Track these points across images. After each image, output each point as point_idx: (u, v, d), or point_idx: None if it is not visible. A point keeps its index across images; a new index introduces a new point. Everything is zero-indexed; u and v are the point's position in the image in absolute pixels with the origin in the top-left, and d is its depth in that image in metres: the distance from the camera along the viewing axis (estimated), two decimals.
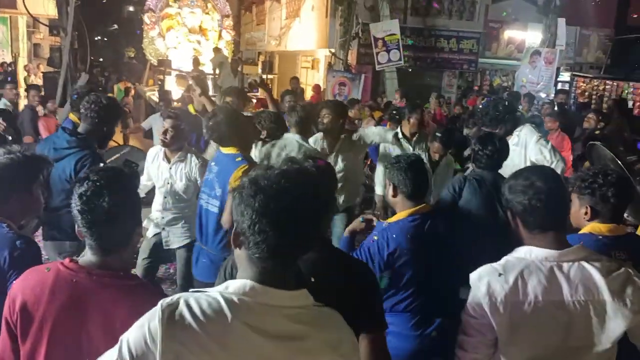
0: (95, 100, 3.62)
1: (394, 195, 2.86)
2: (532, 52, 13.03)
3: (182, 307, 1.35)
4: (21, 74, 14.53)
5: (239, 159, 3.44)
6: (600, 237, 2.45)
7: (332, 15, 14.13)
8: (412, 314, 2.79)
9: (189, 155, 4.11)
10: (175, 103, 13.09)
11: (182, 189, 4.05)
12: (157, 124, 7.85)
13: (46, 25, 10.69)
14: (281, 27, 18.61)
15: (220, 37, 18.66)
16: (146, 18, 17.99)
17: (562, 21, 13.32)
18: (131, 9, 29.78)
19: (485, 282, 1.87)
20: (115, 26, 30.90)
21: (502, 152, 3.67)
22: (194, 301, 1.36)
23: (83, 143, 3.53)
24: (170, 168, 4.08)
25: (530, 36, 14.96)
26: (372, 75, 13.26)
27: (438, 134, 5.27)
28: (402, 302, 2.79)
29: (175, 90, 14.75)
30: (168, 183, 4.08)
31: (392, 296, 2.79)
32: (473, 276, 1.93)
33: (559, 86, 14.60)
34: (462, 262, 2.78)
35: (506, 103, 4.60)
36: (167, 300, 1.38)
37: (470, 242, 2.94)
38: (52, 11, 9.11)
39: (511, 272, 1.87)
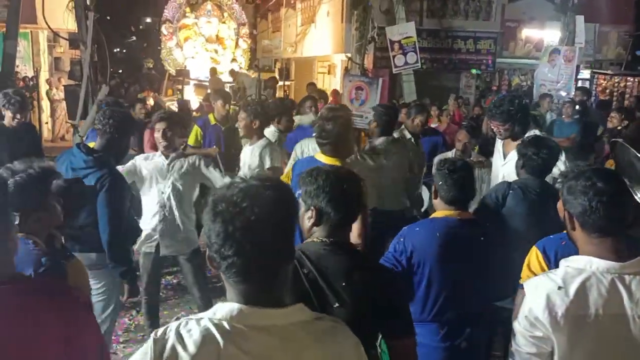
0: (111, 115, 3.65)
1: (435, 198, 2.88)
2: (551, 50, 12.87)
3: (173, 340, 1.35)
4: (43, 88, 14.75)
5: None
6: None
7: (347, 20, 14.13)
8: (440, 324, 2.75)
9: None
10: (194, 112, 13.23)
11: (178, 184, 4.08)
12: None
13: (66, 39, 10.83)
14: (297, 34, 18.67)
15: (236, 45, 18.79)
16: (164, 29, 18.19)
17: (580, 18, 13.14)
18: (149, 20, 30.12)
19: (543, 294, 1.81)
20: (134, 38, 31.26)
21: (555, 156, 3.49)
22: (186, 332, 1.35)
23: (100, 162, 3.55)
24: (169, 164, 4.11)
25: (549, 34, 14.77)
26: (389, 78, 13.22)
27: (464, 123, 5.26)
28: (429, 310, 2.76)
29: (194, 100, 14.90)
30: (166, 178, 4.09)
31: (418, 303, 2.76)
32: (529, 287, 1.87)
33: (579, 84, 14.40)
34: (501, 273, 2.76)
35: (523, 102, 4.41)
36: (159, 332, 1.37)
37: (511, 252, 2.92)
38: (71, 25, 9.24)
39: (571, 284, 1.81)
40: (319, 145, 3.60)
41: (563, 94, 12.22)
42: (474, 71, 14.88)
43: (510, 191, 3.38)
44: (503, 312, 3.23)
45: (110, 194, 3.48)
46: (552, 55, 12.79)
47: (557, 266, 2.38)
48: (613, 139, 5.88)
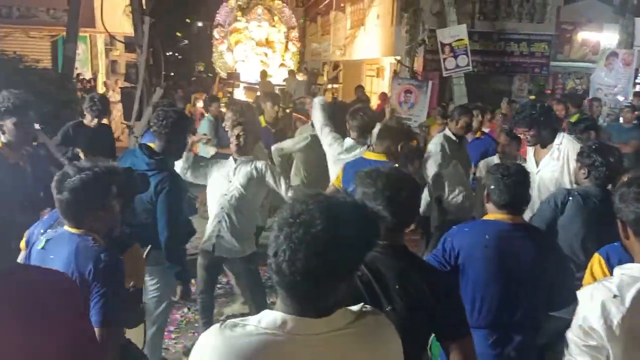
0: (165, 116, 3.74)
1: (487, 202, 2.85)
2: (609, 53, 12.48)
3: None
4: (100, 90, 15.27)
5: (396, 165, 3.75)
6: None
7: (397, 23, 14.08)
8: (489, 331, 2.69)
9: (254, 160, 4.22)
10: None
11: (242, 188, 4.10)
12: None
13: (123, 42, 11.21)
14: (346, 37, 18.72)
15: (286, 48, 18.96)
16: (215, 33, 18.53)
17: (639, 20, 12.71)
18: (201, 24, 30.75)
19: (598, 303, 1.76)
20: (186, 41, 31.96)
21: (620, 165, 3.37)
22: (230, 335, 1.37)
23: (161, 165, 3.65)
24: (236, 168, 4.15)
25: (606, 37, 14.33)
26: (438, 81, 13.09)
27: (504, 126, 5.20)
28: (477, 315, 2.71)
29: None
30: (229, 181, 4.13)
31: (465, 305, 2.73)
32: (583, 295, 1.83)
33: (638, 88, 13.91)
34: (556, 282, 2.69)
35: (546, 105, 4.26)
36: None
37: (567, 261, 2.85)
38: (128, 29, 9.55)
39: (627, 292, 1.76)
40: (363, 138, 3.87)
41: (620, 98, 11.83)
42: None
43: (570, 198, 3.29)
44: (562, 323, 3.16)
45: (169, 196, 3.58)
46: (609, 58, 12.41)
47: None
48: None
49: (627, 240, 1.91)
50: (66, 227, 2.39)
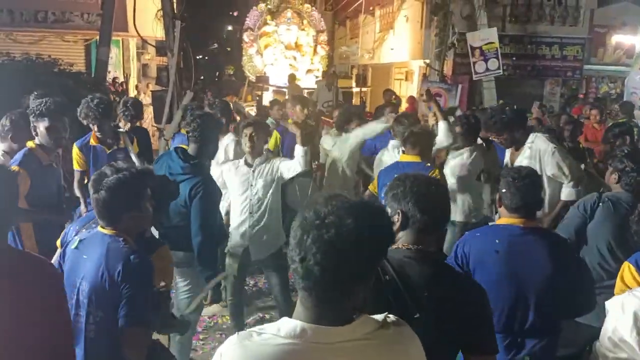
0: (194, 120, 3.81)
1: (499, 206, 2.81)
2: None
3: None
4: (132, 93, 15.51)
5: (428, 164, 4.01)
6: None
7: (427, 26, 13.98)
8: (503, 335, 2.63)
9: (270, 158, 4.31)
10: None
11: (266, 189, 4.16)
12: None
13: (154, 46, 11.36)
14: (374, 40, 18.66)
15: (315, 52, 18.98)
16: (245, 36, 18.64)
17: None
18: (230, 28, 31.01)
19: (630, 314, 1.72)
20: (216, 45, 32.27)
21: None
22: (248, 345, 1.35)
23: (196, 169, 3.72)
24: (254, 171, 4.19)
25: None
26: (468, 85, 12.96)
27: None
28: None
29: None
30: (251, 185, 4.17)
31: None
32: (613, 306, 1.78)
33: None
34: (575, 287, 2.63)
35: (515, 108, 4.37)
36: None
37: (584, 266, 2.79)
38: (159, 33, 9.67)
39: None
40: (402, 144, 4.12)
41: None
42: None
43: (600, 204, 3.23)
44: (587, 331, 3.09)
45: (203, 201, 3.62)
46: None
47: None
48: None
49: None
50: (99, 228, 2.44)
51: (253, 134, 4.19)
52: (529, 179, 2.72)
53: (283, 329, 1.36)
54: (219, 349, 1.40)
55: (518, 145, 4.32)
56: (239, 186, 4.23)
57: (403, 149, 4.33)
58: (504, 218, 2.77)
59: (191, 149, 3.82)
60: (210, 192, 3.68)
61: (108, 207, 2.36)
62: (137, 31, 9.74)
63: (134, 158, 4.71)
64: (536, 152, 4.23)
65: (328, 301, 1.35)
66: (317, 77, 17.39)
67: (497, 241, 2.64)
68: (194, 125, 3.77)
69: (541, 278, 2.58)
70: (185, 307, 3.72)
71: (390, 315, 1.48)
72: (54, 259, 2.81)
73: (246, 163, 4.24)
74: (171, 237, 3.63)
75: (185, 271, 3.69)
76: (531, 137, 4.28)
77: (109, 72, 12.78)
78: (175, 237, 3.56)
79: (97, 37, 10.80)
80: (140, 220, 2.49)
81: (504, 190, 2.73)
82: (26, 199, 3.48)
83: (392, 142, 5.03)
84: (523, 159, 4.25)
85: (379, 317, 1.44)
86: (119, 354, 2.28)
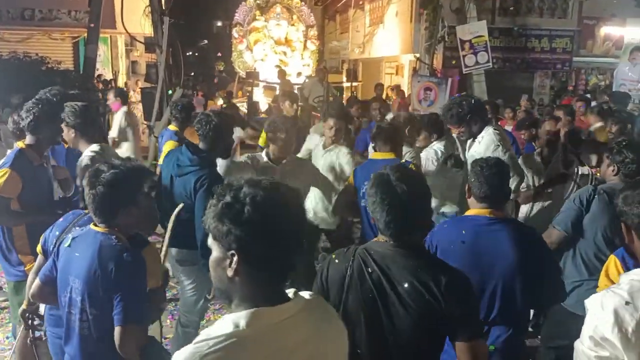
0: (207, 120, 3.80)
1: (468, 196, 2.82)
2: (632, 48, 12.26)
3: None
4: None
5: (403, 161, 4.05)
6: None
7: (416, 20, 14.00)
8: None
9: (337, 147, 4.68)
10: (262, 114, 13.43)
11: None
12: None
13: (143, 43, 11.28)
14: (365, 35, 18.66)
15: (305, 47, 18.95)
16: (234, 32, 18.57)
17: None
18: (220, 24, 30.89)
19: (610, 311, 1.71)
20: (206, 41, 32.13)
21: None
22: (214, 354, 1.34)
23: (204, 162, 3.72)
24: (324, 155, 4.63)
25: (630, 32, 14.08)
26: (458, 78, 12.99)
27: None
28: None
29: (263, 101, 15.14)
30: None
31: None
32: (592, 304, 1.78)
33: None
34: (545, 277, 2.64)
35: (472, 101, 4.38)
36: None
37: (552, 256, 2.80)
38: (147, 30, 9.61)
39: (639, 298, 1.72)
40: (372, 141, 4.12)
41: None
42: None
43: (596, 196, 3.23)
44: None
45: (208, 194, 3.58)
46: (633, 53, 12.18)
47: None
48: None
49: (632, 244, 1.86)
50: (91, 226, 2.43)
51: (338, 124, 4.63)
52: (497, 168, 2.73)
53: (242, 321, 1.38)
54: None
55: (472, 137, 4.40)
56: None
57: (373, 145, 4.28)
58: (472, 209, 2.78)
59: (201, 145, 3.83)
60: (216, 185, 3.68)
61: (105, 202, 2.36)
62: (125, 28, 9.68)
63: None
64: (484, 147, 4.29)
65: (276, 283, 1.44)
66: (307, 76, 17.36)
67: (463, 232, 2.66)
68: (206, 125, 3.76)
69: (506, 268, 2.58)
70: (192, 305, 3.71)
71: (309, 292, 1.57)
72: (35, 265, 2.80)
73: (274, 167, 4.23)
74: (176, 234, 3.62)
75: (190, 269, 3.68)
76: (484, 130, 4.32)
77: (97, 70, 12.70)
78: (180, 234, 3.55)
79: (85, 35, 10.72)
80: (137, 216, 2.48)
81: (472, 180, 2.75)
82: (18, 200, 3.45)
83: None
84: (472, 152, 4.33)
85: (303, 293, 1.53)
86: (113, 352, 2.28)
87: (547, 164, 4.97)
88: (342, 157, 4.70)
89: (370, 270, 1.99)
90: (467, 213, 2.82)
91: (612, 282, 2.35)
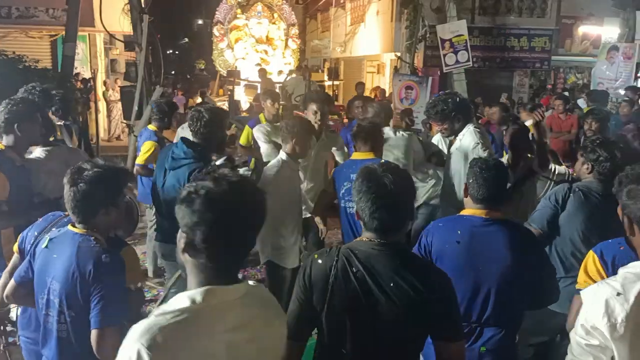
0: (199, 117, 3.80)
1: (465, 196, 2.81)
2: (610, 47, 12.45)
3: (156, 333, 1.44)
4: (100, 89, 15.23)
5: (383, 161, 3.95)
6: None
7: (397, 19, 14.03)
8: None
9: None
10: (243, 113, 13.38)
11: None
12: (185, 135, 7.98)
13: (122, 41, 11.17)
14: (346, 34, 18.67)
15: (286, 46, 18.92)
16: (215, 30, 18.47)
17: None
18: (200, 22, 30.69)
19: (602, 301, 1.74)
20: (186, 39, 31.91)
21: (625, 159, 3.28)
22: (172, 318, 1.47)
23: (198, 155, 3.73)
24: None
25: (607, 31, 14.28)
26: (439, 77, 13.06)
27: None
28: None
29: (244, 100, 15.09)
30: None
31: None
32: (586, 295, 1.80)
33: (639, 82, 13.87)
34: (537, 279, 2.66)
35: (457, 99, 4.42)
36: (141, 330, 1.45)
37: (547, 258, 2.81)
38: (127, 28, 9.52)
39: (631, 290, 1.74)
40: (353, 140, 4.05)
41: (622, 92, 11.80)
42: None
43: (571, 194, 3.25)
44: (561, 318, 3.13)
45: None
46: (610, 52, 12.37)
47: (614, 271, 2.30)
48: None
49: (633, 237, 1.88)
50: (69, 227, 2.41)
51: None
52: (496, 170, 2.72)
53: (197, 297, 1.51)
54: (133, 337, 1.46)
55: (454, 134, 4.44)
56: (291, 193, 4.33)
57: (354, 145, 4.26)
58: (468, 208, 2.78)
59: (195, 141, 3.84)
60: None
61: (86, 200, 2.33)
62: (104, 26, 9.57)
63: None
64: (464, 144, 4.34)
65: (218, 266, 1.55)
66: (288, 73, 17.33)
67: (458, 232, 2.65)
68: (198, 122, 3.77)
69: (501, 269, 2.58)
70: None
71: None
72: (10, 265, 2.76)
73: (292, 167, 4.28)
74: (163, 228, 3.58)
75: (173, 265, 3.66)
76: (465, 128, 4.36)
77: (76, 68, 12.54)
78: (167, 228, 3.52)
79: (63, 33, 10.57)
80: (115, 217, 2.46)
81: (470, 180, 2.74)
82: (7, 202, 3.39)
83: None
84: (454, 151, 4.38)
85: (250, 282, 1.67)
86: (92, 354, 2.26)
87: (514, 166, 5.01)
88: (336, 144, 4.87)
89: (354, 270, 1.98)
90: (463, 212, 2.80)
91: (591, 279, 2.37)
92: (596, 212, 3.19)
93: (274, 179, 3.99)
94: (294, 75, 15.24)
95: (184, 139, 3.88)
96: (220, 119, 3.97)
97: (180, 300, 1.51)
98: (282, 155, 4.17)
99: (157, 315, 1.47)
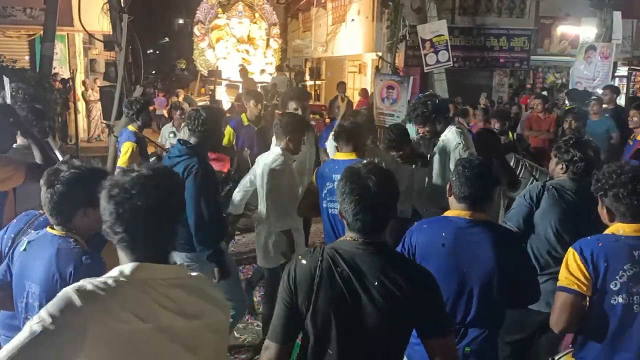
0: (196, 116, 3.86)
1: (449, 195, 2.82)
2: (587, 47, 12.60)
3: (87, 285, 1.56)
4: (79, 89, 15.06)
5: (365, 161, 3.86)
6: (623, 237, 2.38)
7: (378, 19, 14.09)
8: None
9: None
10: (226, 114, 13.33)
11: None
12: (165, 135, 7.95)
13: (101, 41, 11.05)
14: (327, 33, 18.69)
15: (267, 45, 18.89)
16: (196, 30, 18.40)
17: (617, 14, 12.83)
18: (181, 21, 30.49)
19: None
20: (167, 39, 31.66)
21: (598, 158, 3.38)
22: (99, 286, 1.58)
23: (192, 151, 3.78)
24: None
25: (585, 31, 14.45)
26: (420, 77, 13.13)
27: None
28: None
29: (226, 100, 15.03)
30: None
31: None
32: None
33: (616, 81, 14.08)
34: (520, 279, 2.69)
35: (437, 101, 4.47)
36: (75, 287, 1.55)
37: (528, 258, 2.84)
38: (106, 27, 9.41)
39: None
40: (334, 140, 4.04)
41: (599, 91, 11.97)
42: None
43: (545, 192, 3.29)
44: (537, 316, 3.17)
45: (195, 180, 3.64)
46: (588, 52, 12.52)
47: (594, 267, 2.35)
48: None
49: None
50: (48, 229, 2.38)
51: None
52: (479, 169, 2.72)
53: (126, 270, 1.62)
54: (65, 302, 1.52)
55: (436, 135, 4.47)
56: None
57: (336, 145, 4.23)
58: (453, 209, 2.79)
59: (192, 140, 3.88)
60: (203, 173, 3.70)
61: (63, 201, 2.30)
62: (82, 26, 9.47)
63: (57, 152, 4.60)
64: (446, 145, 4.37)
65: (138, 251, 1.66)
66: (271, 73, 17.32)
67: (443, 234, 2.65)
68: (195, 120, 3.81)
69: (485, 271, 2.60)
70: None
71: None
72: None
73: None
74: None
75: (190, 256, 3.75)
76: (447, 129, 4.40)
77: (54, 68, 12.38)
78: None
79: (41, 32, 10.43)
80: (94, 219, 2.43)
81: (454, 179, 2.76)
82: None
83: None
84: (436, 150, 4.41)
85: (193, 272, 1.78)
86: None
87: None
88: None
89: (340, 270, 1.97)
90: (447, 214, 2.80)
91: (572, 275, 2.40)
92: (569, 209, 3.23)
93: (285, 169, 4.12)
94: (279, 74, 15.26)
95: (179, 140, 3.96)
96: (217, 118, 4.04)
97: (112, 272, 1.64)
98: (278, 150, 4.22)
99: (83, 281, 1.59)
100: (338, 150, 4.10)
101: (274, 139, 5.06)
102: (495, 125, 6.66)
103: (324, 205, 3.91)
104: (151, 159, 4.13)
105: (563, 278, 2.46)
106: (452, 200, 2.79)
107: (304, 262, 2.04)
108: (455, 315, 2.64)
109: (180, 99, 15.02)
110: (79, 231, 2.37)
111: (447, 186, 2.82)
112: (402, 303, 1.96)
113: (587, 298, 2.43)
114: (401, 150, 4.65)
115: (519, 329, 3.31)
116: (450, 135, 4.38)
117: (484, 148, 4.44)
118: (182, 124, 6.76)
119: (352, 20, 16.08)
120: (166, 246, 1.74)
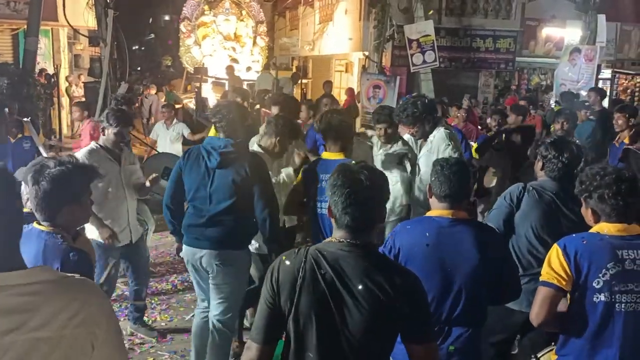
0: (220, 110, 3.82)
1: (429, 196, 2.84)
2: (572, 49, 12.73)
3: None
4: (63, 85, 14.91)
5: (353, 162, 3.81)
6: (607, 236, 2.41)
7: (365, 18, 14.11)
8: None
9: None
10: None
11: None
12: (161, 132, 7.95)
13: (86, 36, 10.94)
14: (314, 32, 18.69)
15: (254, 43, 18.84)
16: (182, 27, 18.30)
17: (602, 17, 12.98)
18: (167, 18, 30.26)
19: None
20: (152, 35, 31.40)
21: (578, 159, 3.37)
22: None
23: (239, 147, 3.76)
24: None
25: (570, 33, 14.60)
26: (407, 77, 13.18)
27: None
28: None
29: (212, 97, 14.97)
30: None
31: None
32: None
33: (600, 84, 14.23)
34: (502, 277, 2.71)
35: (426, 101, 4.49)
36: None
37: (510, 256, 2.86)
38: (91, 23, 9.33)
39: None
40: (323, 139, 3.98)
41: (583, 93, 12.09)
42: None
43: (526, 193, 3.30)
44: (519, 316, 3.19)
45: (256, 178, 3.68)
46: (572, 54, 12.65)
47: (577, 265, 2.38)
48: (626, 147, 5.81)
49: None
50: (35, 225, 2.37)
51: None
52: (457, 167, 2.74)
53: None
54: None
55: (425, 136, 4.48)
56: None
57: (324, 144, 4.18)
58: (434, 209, 2.80)
59: (221, 136, 3.80)
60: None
61: (49, 198, 2.28)
62: (67, 20, 9.38)
63: (41, 149, 4.56)
64: (435, 146, 4.38)
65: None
66: (257, 71, 17.28)
67: (427, 234, 2.66)
68: (220, 115, 3.75)
69: (469, 269, 2.61)
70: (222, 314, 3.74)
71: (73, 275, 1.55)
72: None
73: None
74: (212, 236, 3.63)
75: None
76: (435, 130, 4.41)
77: (38, 63, 12.24)
78: (216, 232, 3.59)
79: (25, 27, 10.30)
80: (80, 215, 2.42)
81: (433, 179, 2.77)
82: None
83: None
84: (425, 152, 4.42)
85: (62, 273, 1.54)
86: None
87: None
88: None
89: (323, 272, 1.94)
90: (429, 214, 2.81)
91: (554, 271, 2.43)
92: (549, 210, 3.26)
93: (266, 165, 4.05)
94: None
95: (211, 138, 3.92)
96: (244, 114, 4.06)
97: None
98: (255, 146, 4.17)
99: None
100: (326, 149, 4.08)
101: (257, 136, 5.03)
102: (493, 122, 6.75)
103: (312, 204, 3.89)
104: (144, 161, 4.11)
105: (545, 273, 2.49)
106: (433, 201, 2.81)
107: (287, 262, 2.01)
108: (441, 314, 2.65)
109: (152, 92, 14.94)
110: (64, 227, 2.36)
111: (427, 187, 2.84)
112: (385, 307, 1.93)
113: (568, 294, 2.47)
114: (386, 123, 4.59)
115: (502, 328, 3.33)
116: (438, 136, 4.39)
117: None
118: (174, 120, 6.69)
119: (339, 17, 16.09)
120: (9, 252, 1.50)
